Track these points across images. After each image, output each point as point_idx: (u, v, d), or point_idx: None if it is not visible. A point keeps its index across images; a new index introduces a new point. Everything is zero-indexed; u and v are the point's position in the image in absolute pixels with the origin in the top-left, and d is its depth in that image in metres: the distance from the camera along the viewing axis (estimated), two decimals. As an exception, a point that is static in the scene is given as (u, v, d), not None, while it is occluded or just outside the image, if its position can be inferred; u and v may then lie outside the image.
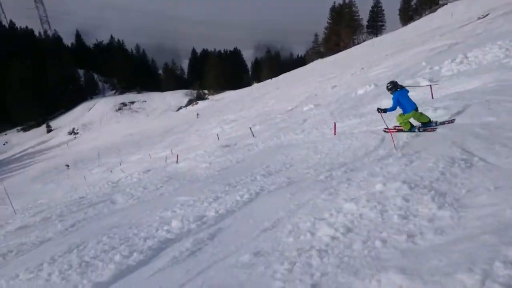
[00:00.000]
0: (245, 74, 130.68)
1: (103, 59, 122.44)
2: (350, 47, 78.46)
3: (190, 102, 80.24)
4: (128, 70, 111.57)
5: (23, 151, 78.36)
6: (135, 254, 5.30)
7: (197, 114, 53.10)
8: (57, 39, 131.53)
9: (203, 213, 6.64)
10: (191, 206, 7.33)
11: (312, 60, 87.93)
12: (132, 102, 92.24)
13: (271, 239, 4.52)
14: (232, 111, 39.75)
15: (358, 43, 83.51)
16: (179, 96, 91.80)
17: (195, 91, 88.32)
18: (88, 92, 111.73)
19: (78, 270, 5.12)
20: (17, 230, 9.68)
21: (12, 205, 19.66)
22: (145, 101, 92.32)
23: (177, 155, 17.62)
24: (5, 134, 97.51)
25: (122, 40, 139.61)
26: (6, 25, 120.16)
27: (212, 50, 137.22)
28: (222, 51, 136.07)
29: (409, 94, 9.08)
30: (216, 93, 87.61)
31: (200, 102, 76.70)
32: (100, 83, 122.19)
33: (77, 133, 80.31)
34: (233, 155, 13.94)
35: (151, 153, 28.45)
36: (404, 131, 8.92)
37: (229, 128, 26.51)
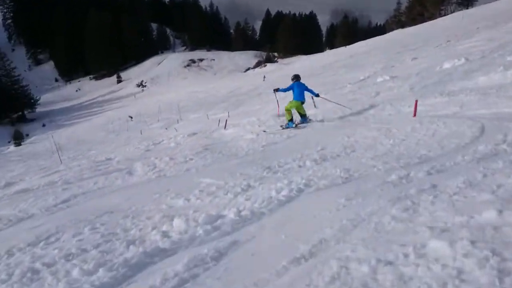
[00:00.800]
0: (319, 40, 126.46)
1: (177, 14, 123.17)
2: (436, 18, 71.69)
3: (258, 64, 78.36)
4: (200, 27, 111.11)
5: (93, 99, 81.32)
6: (100, 271, 3.41)
7: (264, 77, 51.11)
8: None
9: (221, 211, 4.61)
10: (211, 195, 5.37)
11: (392, 30, 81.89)
12: (201, 60, 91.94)
13: (303, 279, 2.59)
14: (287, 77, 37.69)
15: (445, 15, 76.15)
16: (248, 57, 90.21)
17: (265, 53, 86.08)
18: (159, 47, 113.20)
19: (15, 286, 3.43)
20: (14, 194, 8.38)
21: (59, 155, 19.38)
22: (214, 60, 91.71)
23: (226, 120, 15.80)
24: (78, 81, 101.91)
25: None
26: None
27: (287, 12, 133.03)
28: (297, 14, 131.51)
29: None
30: (286, 57, 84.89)
31: (268, 64, 74.54)
32: (171, 38, 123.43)
33: (145, 86, 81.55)
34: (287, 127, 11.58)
35: (210, 114, 27.21)
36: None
37: (293, 94, 24.56)
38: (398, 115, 9.75)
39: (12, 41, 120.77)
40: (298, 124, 11.35)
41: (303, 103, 11.34)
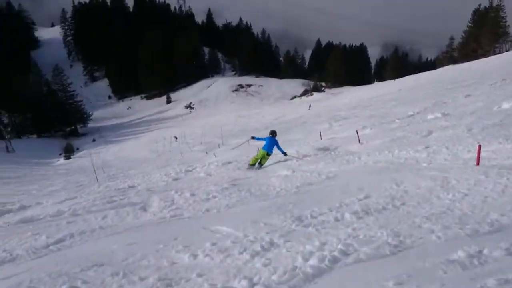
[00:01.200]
0: (368, 72, 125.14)
1: (229, 39, 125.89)
2: (490, 55, 68.87)
3: (305, 93, 77.93)
4: (251, 53, 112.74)
5: (142, 118, 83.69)
6: None
7: (310, 106, 50.60)
8: (190, 15, 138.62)
9: (229, 280, 3.71)
10: (223, 252, 4.42)
11: (443, 65, 79.46)
12: (249, 85, 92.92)
13: None
14: (346, 107, 36.83)
15: (499, 52, 73.01)
16: (295, 85, 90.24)
17: (312, 82, 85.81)
18: (210, 70, 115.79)
19: None
20: (15, 224, 7.95)
21: (95, 175, 19.54)
22: (262, 86, 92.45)
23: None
24: (130, 100, 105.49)
25: (250, 23, 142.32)
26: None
27: (337, 43, 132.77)
28: (347, 46, 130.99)
29: None
30: (334, 87, 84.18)
31: (315, 93, 73.96)
32: (222, 63, 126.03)
33: (193, 108, 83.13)
34: (326, 165, 10.54)
35: (251, 140, 27.01)
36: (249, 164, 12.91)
37: (337, 126, 23.46)
38: (456, 161, 8.36)
39: (71, 58, 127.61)
40: (256, 168, 12.71)
41: (269, 154, 13.03)
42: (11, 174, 31.20)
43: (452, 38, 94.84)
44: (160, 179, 13.15)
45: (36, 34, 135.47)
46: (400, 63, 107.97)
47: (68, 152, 53.38)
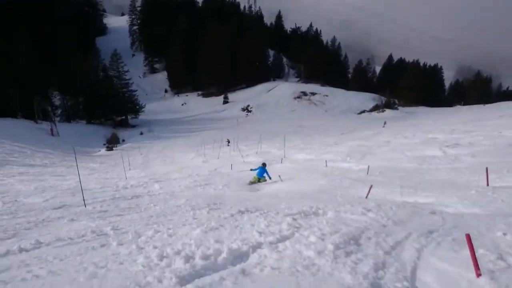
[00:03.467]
0: (441, 94, 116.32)
1: (296, 44, 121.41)
2: None
3: (376, 108, 71.34)
4: (318, 60, 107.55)
5: (195, 115, 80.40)
6: None
7: (384, 123, 44.53)
8: (259, 16, 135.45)
9: None
10: None
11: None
12: (313, 94, 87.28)
13: None
14: (432, 127, 30.73)
15: None
16: (364, 99, 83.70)
17: (384, 98, 78.97)
18: (272, 74, 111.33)
19: None
20: None
21: (125, 174, 16.92)
22: (327, 96, 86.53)
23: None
24: (186, 95, 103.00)
25: (320, 30, 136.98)
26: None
27: (410, 60, 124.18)
28: (421, 64, 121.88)
29: None
30: (407, 105, 76.98)
31: (388, 110, 67.30)
32: (286, 67, 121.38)
33: (250, 111, 78.74)
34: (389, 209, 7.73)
35: (319, 153, 22.01)
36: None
37: (446, 147, 17.81)
38: None
39: (134, 47, 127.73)
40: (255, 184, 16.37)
41: (260, 179, 16.48)
42: (32, 161, 27.92)
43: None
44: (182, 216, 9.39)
45: (105, 21, 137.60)
46: (484, 89, 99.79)
47: (112, 142, 50.51)
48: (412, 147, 19.42)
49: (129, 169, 24.30)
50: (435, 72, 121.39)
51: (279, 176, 15.91)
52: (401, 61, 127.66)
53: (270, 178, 16.51)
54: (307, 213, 7.87)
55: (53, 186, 15.10)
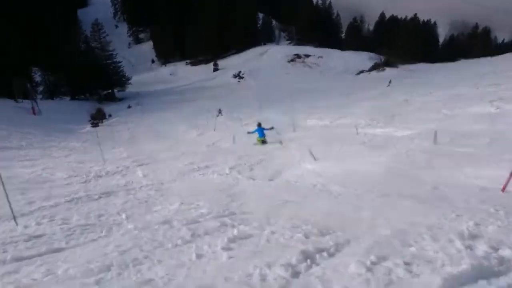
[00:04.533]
0: (437, 50, 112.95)
1: (286, 5, 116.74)
2: None
3: (375, 67, 68.13)
4: (310, 21, 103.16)
5: (185, 85, 76.98)
6: None
7: (390, 81, 41.80)
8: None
9: None
10: None
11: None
12: (307, 56, 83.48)
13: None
14: (446, 83, 28.19)
15: None
16: (361, 59, 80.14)
17: (383, 56, 75.61)
18: (262, 38, 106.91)
19: None
20: None
21: (103, 156, 14.94)
22: (321, 57, 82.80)
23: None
24: (174, 65, 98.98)
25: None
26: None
27: (402, 17, 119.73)
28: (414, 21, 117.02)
29: None
30: (407, 63, 73.84)
31: (388, 69, 64.33)
32: (276, 31, 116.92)
33: (242, 77, 75.15)
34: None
35: (334, 118, 19.37)
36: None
37: (490, 102, 15.16)
38: None
39: (117, 18, 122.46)
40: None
41: (263, 139, 17.83)
42: (7, 143, 24.98)
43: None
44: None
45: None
46: (484, 42, 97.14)
47: (98, 118, 47.34)
48: (444, 105, 16.68)
49: (113, 148, 21.56)
50: (429, 27, 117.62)
51: (311, 152, 11.96)
52: (394, 18, 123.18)
53: (271, 128, 18.20)
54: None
55: (13, 176, 12.28)
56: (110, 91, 69.94)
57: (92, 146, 24.39)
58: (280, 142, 16.16)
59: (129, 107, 58.57)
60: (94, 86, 67.10)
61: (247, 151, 15.10)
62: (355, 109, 22.02)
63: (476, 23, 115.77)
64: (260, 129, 17.78)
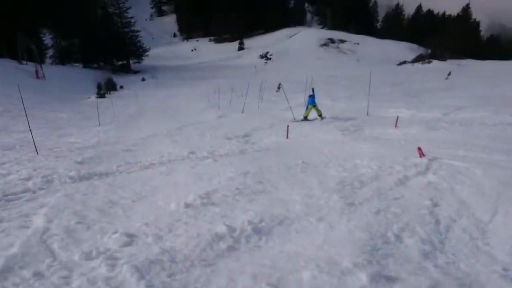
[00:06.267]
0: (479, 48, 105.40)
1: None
2: None
3: (419, 59, 62.01)
4: (346, 6, 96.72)
5: (206, 62, 71.70)
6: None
7: (449, 73, 35.97)
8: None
9: None
10: None
11: None
12: (342, 41, 77.22)
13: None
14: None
15: None
16: (402, 49, 73.73)
17: (427, 49, 69.16)
18: (293, 20, 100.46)
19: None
20: None
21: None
22: (358, 44, 76.50)
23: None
24: (197, 41, 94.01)
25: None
26: None
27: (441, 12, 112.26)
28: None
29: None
30: (453, 58, 67.32)
31: (434, 61, 58.13)
32: (308, 14, 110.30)
33: (270, 58, 69.53)
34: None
35: (438, 109, 14.10)
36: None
37: None
38: None
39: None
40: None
41: (315, 107, 15.60)
42: None
43: None
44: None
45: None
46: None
47: (107, 89, 42.46)
48: None
49: (97, 126, 16.40)
50: (474, 25, 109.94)
51: None
52: (430, 12, 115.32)
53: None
54: None
55: None
56: (125, 62, 65.00)
57: (81, 120, 19.38)
58: None
59: (143, 79, 53.70)
60: (109, 55, 62.22)
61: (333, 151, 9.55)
62: (449, 100, 16.99)
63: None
64: (312, 97, 15.61)
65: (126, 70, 63.46)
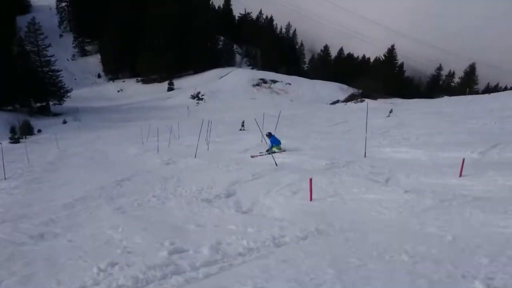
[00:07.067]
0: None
1: (247, 31, 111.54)
2: None
3: (352, 98, 63.27)
4: (275, 48, 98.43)
5: (135, 102, 68.22)
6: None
7: (390, 111, 36.11)
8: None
9: None
10: None
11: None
12: (274, 81, 77.07)
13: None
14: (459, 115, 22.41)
15: None
16: (332, 89, 74.98)
17: (355, 89, 70.99)
18: (222, 61, 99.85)
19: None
20: None
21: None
22: (290, 84, 76.78)
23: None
24: (123, 81, 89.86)
25: (271, 16, 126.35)
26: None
27: (357, 56, 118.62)
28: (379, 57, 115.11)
29: None
30: (383, 98, 69.54)
31: (367, 100, 59.24)
32: (237, 55, 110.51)
33: (202, 99, 67.29)
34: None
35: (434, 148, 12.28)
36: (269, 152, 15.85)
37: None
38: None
39: (62, 27, 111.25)
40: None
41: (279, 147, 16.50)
42: None
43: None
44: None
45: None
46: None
47: (22, 133, 37.78)
48: None
49: (2, 180, 12.98)
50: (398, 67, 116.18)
51: None
52: (350, 56, 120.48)
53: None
54: None
55: None
56: (44, 103, 59.63)
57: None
58: None
59: (64, 122, 49.13)
60: (26, 96, 56.67)
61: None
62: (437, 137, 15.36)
63: (473, 63, 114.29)
64: (273, 137, 16.76)
65: (45, 112, 58.06)
